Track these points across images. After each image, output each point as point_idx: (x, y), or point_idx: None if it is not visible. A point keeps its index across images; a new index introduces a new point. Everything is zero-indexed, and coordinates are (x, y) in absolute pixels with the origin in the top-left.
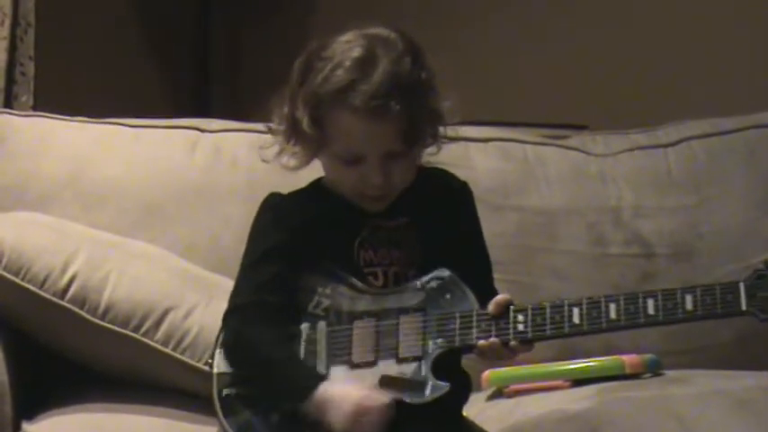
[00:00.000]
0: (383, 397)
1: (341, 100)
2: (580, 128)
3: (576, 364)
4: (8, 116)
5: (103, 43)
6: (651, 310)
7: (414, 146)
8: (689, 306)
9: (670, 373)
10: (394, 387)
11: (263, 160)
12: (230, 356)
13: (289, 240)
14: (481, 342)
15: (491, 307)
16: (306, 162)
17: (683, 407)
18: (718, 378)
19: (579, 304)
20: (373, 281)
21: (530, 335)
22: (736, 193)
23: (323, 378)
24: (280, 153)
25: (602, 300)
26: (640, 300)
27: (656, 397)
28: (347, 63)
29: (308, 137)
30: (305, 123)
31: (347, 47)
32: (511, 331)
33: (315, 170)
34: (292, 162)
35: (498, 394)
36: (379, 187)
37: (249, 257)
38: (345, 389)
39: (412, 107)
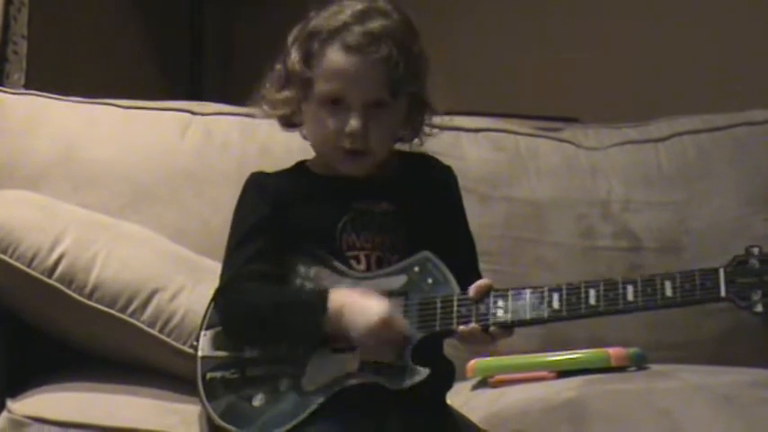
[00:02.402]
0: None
1: (334, 36)
2: (572, 121)
3: (561, 355)
4: (0, 94)
5: (97, 24)
6: (630, 297)
7: (396, 98)
8: (668, 292)
9: (655, 367)
10: (374, 371)
11: (252, 116)
12: (231, 326)
13: (273, 214)
14: (461, 328)
15: (471, 292)
16: (293, 109)
17: (669, 401)
18: (702, 373)
19: (559, 290)
20: (355, 264)
21: (509, 321)
22: (725, 190)
23: (327, 292)
24: (272, 107)
25: (582, 286)
26: (620, 286)
27: (641, 390)
28: (348, 11)
29: (296, 77)
30: (295, 62)
31: (348, 3)
32: (491, 317)
33: (304, 154)
34: (281, 111)
35: (483, 384)
36: (357, 135)
37: (236, 235)
38: (370, 298)
39: (400, 59)
